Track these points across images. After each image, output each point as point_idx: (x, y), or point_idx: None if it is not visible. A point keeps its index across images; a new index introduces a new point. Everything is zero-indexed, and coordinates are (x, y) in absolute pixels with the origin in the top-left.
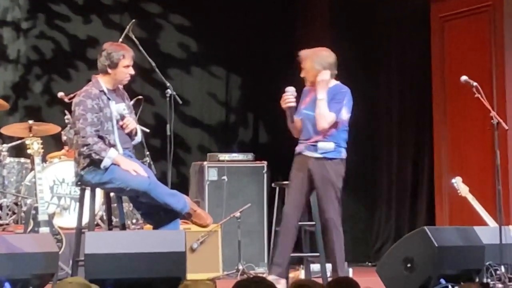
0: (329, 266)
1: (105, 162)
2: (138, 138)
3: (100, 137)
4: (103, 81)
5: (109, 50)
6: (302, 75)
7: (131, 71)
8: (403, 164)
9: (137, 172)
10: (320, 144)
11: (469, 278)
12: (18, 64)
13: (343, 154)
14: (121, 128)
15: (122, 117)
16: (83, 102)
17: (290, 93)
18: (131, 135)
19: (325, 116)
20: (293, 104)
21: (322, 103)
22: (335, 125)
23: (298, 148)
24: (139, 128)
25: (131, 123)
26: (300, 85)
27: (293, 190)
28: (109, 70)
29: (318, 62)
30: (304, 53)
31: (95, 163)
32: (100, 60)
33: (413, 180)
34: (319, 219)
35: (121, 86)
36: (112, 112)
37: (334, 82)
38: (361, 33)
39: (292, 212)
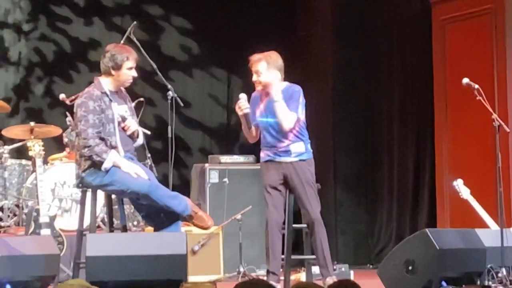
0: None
1: (106, 164)
2: (140, 140)
3: (102, 139)
4: (105, 83)
5: (113, 51)
6: (254, 78)
7: (134, 73)
8: (405, 166)
9: (138, 174)
10: (292, 148)
11: (470, 281)
12: (19, 66)
13: (311, 153)
14: (123, 130)
15: (124, 119)
16: (85, 103)
17: (244, 99)
18: (132, 137)
19: (288, 117)
20: (249, 110)
21: (281, 104)
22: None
23: (265, 155)
24: (140, 130)
25: (133, 125)
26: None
27: (272, 194)
28: (113, 72)
29: (272, 64)
30: (256, 57)
31: (96, 165)
32: (104, 61)
33: (415, 182)
34: (305, 221)
35: (123, 89)
36: (114, 114)
37: (285, 83)
38: (362, 35)
39: (273, 214)
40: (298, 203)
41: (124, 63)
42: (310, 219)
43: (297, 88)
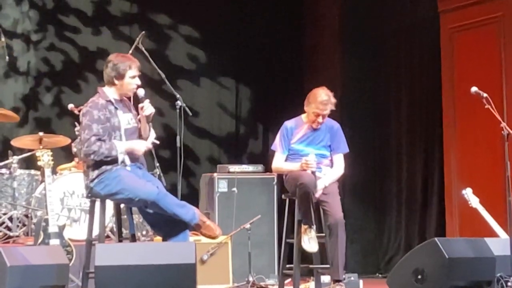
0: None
1: (120, 158)
2: (152, 136)
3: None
4: (109, 92)
5: (115, 61)
6: (320, 120)
7: (138, 81)
8: (413, 175)
9: (148, 147)
10: (325, 169)
11: None
12: (28, 76)
13: None
14: (141, 110)
15: (142, 100)
16: (89, 112)
17: (313, 160)
18: (147, 122)
19: (339, 174)
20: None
21: (330, 178)
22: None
23: None
24: (152, 132)
25: (149, 107)
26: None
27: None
28: (116, 81)
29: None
30: (332, 100)
31: (103, 173)
32: (106, 71)
33: (423, 191)
34: (327, 222)
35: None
36: (120, 121)
37: None
38: (370, 44)
39: (309, 183)
40: (324, 204)
41: (127, 72)
42: (335, 220)
43: (337, 126)
